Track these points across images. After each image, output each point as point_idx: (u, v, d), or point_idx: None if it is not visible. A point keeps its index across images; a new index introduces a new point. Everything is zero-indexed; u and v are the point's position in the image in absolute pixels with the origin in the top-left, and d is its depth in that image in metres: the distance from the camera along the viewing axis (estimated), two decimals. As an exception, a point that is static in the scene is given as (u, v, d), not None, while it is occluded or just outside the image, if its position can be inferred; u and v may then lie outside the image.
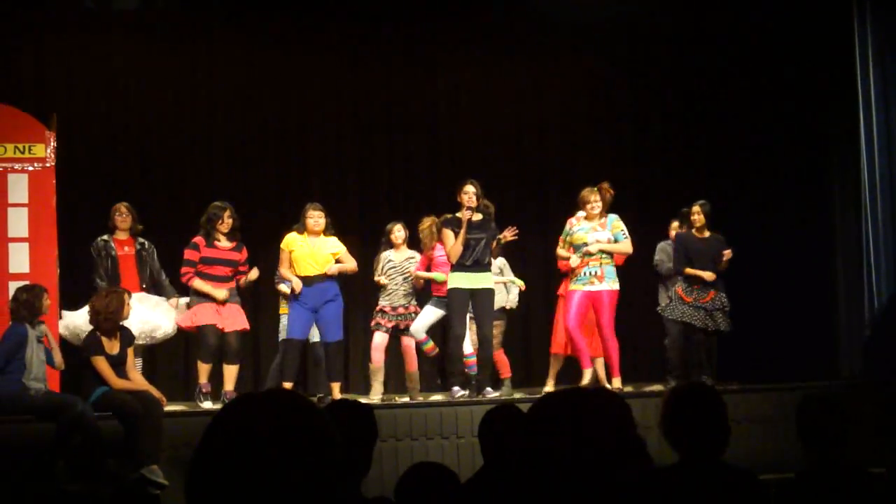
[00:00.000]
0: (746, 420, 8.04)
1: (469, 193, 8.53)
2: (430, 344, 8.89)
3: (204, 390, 8.43)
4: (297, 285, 8.38)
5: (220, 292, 8.45)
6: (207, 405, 8.30)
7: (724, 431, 3.29)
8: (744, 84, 10.98)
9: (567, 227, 8.70)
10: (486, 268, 8.56)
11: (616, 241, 8.61)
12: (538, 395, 8.17)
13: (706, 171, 11.10)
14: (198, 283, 8.48)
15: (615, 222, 8.68)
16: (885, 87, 9.89)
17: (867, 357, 9.62)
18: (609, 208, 8.72)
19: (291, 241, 8.54)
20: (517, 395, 8.75)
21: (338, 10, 10.82)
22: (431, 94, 11.27)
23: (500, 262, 9.26)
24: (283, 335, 8.92)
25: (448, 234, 8.51)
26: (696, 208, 9.05)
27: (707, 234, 9.04)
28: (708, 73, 11.11)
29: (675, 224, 9.62)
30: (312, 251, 8.50)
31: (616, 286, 8.58)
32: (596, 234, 8.57)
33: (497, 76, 11.27)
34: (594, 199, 8.61)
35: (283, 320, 8.97)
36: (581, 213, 8.68)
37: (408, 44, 11.11)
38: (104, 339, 7.48)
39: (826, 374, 9.55)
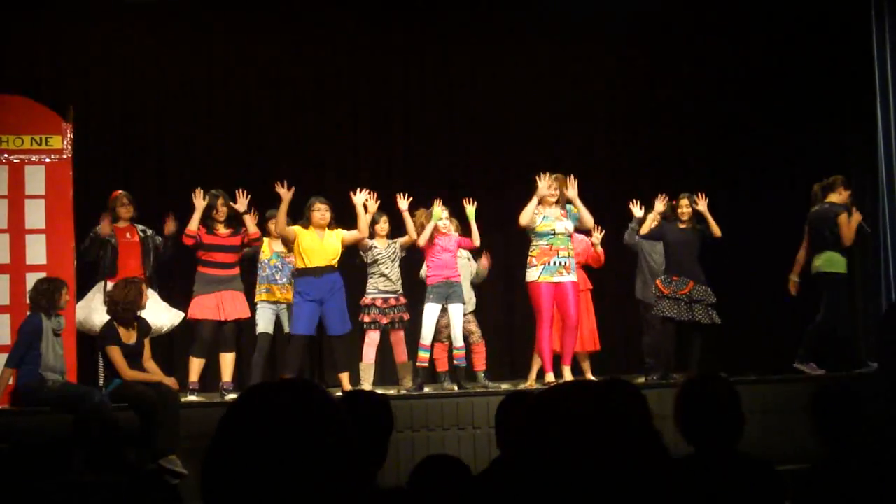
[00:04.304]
0: (762, 411, 8.01)
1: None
2: (463, 351, 8.81)
3: (192, 387, 8.41)
4: (285, 195, 8.47)
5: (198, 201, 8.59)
6: (193, 398, 8.27)
7: (738, 422, 3.29)
8: (761, 72, 10.94)
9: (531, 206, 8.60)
10: None
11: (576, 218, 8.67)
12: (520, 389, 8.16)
13: (723, 162, 11.05)
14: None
15: (572, 210, 8.69)
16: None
17: (883, 347, 9.57)
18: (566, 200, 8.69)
19: (299, 232, 8.57)
20: (504, 387, 8.67)
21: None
22: (447, 79, 11.24)
23: (466, 253, 9.19)
24: (260, 328, 8.86)
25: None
26: (684, 201, 9.01)
27: (688, 225, 8.98)
28: (723, 61, 11.06)
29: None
30: (320, 242, 8.54)
31: (576, 278, 8.65)
32: (562, 223, 8.56)
33: (514, 60, 11.23)
34: (552, 188, 8.60)
35: (261, 311, 8.89)
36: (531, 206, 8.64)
37: (425, 28, 11.10)
38: (121, 329, 7.52)
39: (842, 365, 9.51)
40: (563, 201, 8.65)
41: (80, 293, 8.49)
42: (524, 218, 8.53)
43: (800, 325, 10.34)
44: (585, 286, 9.20)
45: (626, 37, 11.16)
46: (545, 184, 8.58)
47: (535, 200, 8.55)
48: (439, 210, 8.73)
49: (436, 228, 8.71)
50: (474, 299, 9.32)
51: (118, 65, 10.43)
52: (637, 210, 9.35)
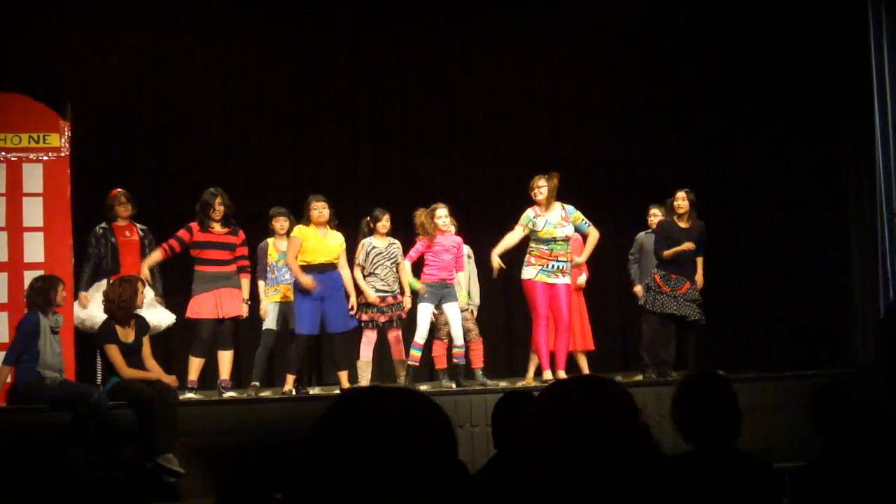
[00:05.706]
0: (760, 408, 8.01)
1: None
2: (462, 349, 8.81)
3: (191, 385, 8.40)
4: (310, 283, 8.37)
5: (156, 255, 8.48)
6: (191, 396, 8.28)
7: (735, 420, 3.29)
8: (758, 71, 10.94)
9: (530, 213, 8.59)
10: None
11: (581, 231, 8.67)
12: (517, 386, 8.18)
13: (720, 160, 11.06)
14: (156, 255, 8.53)
15: (575, 213, 8.68)
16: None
17: (881, 347, 9.59)
18: (558, 196, 8.65)
19: (302, 233, 8.57)
20: (502, 385, 8.68)
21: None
22: (447, 80, 11.25)
23: (467, 250, 9.24)
24: (267, 325, 8.87)
25: None
26: (680, 194, 8.90)
27: (689, 223, 8.89)
28: (721, 61, 11.06)
29: (655, 210, 9.51)
30: (323, 241, 8.54)
31: (570, 281, 8.68)
32: (563, 230, 8.55)
33: (512, 60, 11.23)
34: (538, 185, 8.57)
35: (269, 307, 8.90)
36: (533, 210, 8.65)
37: (422, 29, 11.11)
38: (118, 328, 7.50)
39: (840, 363, 9.52)
40: (551, 200, 8.61)
41: (78, 291, 8.48)
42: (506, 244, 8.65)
43: (797, 324, 10.35)
44: (578, 286, 9.21)
45: (623, 38, 11.16)
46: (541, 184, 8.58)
47: (513, 238, 8.59)
48: (416, 282, 8.73)
49: (437, 227, 8.70)
50: (479, 299, 9.33)
51: (116, 63, 10.43)
52: (639, 290, 9.43)
